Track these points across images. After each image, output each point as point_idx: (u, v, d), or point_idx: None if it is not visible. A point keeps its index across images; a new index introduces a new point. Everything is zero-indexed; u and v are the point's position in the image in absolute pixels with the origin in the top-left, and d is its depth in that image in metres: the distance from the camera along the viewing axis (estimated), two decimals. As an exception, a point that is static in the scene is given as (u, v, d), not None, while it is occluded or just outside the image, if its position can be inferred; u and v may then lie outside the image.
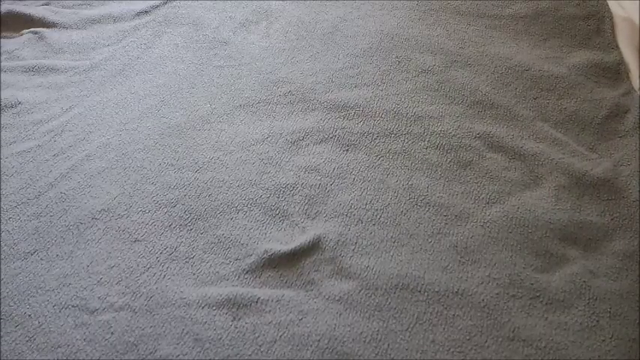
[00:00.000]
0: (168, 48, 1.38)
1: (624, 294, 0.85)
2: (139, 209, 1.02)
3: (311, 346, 0.82)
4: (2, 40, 1.45)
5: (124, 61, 1.35)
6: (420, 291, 0.87)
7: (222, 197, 1.03)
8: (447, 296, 0.86)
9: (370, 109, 1.16)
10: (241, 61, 1.32)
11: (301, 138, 1.12)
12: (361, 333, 0.83)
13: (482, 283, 0.87)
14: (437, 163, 1.05)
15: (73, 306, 0.89)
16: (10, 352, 0.84)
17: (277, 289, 0.89)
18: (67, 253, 0.96)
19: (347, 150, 1.09)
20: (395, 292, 0.87)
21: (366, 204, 0.99)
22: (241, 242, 0.96)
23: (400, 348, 0.81)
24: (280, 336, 0.83)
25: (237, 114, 1.19)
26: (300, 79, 1.25)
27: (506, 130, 1.10)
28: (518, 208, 0.96)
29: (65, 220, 1.01)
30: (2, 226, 1.01)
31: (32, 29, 1.46)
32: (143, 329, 0.85)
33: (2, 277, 0.93)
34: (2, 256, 0.97)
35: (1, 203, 1.05)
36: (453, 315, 0.84)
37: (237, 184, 1.05)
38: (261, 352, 0.81)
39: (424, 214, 0.97)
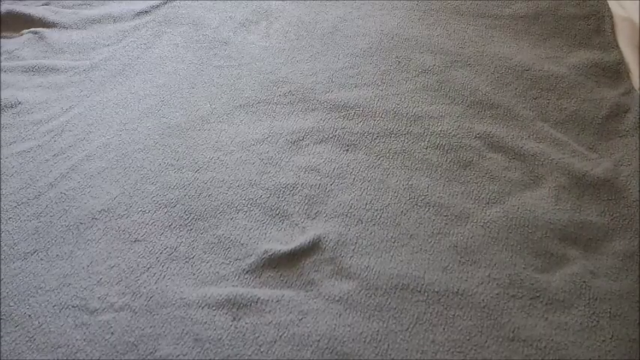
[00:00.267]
0: (168, 48, 1.38)
1: (624, 294, 0.85)
2: (139, 209, 1.02)
3: (311, 346, 0.82)
4: (2, 40, 1.45)
5: (124, 61, 1.35)
6: (420, 291, 0.87)
7: (222, 197, 1.03)
8: (447, 296, 0.86)
9: (370, 109, 1.16)
10: (241, 61, 1.32)
11: (301, 138, 1.12)
12: (361, 333, 0.83)
13: (482, 283, 0.87)
14: (437, 163, 1.05)
15: (73, 306, 0.89)
16: (10, 352, 0.84)
17: (277, 289, 0.89)
18: (67, 253, 0.96)
19: (347, 150, 1.09)
20: (395, 292, 0.87)
21: (366, 204, 0.99)
22: (241, 242, 0.96)
23: (400, 348, 0.81)
24: (280, 336, 0.83)
25: (237, 114, 1.19)
26: (300, 79, 1.25)
27: (506, 130, 1.10)
28: (518, 208, 0.96)
29: (65, 220, 1.01)
30: (2, 226, 1.01)
31: (32, 29, 1.46)
32: (143, 329, 0.85)
33: (2, 277, 0.93)
34: (2, 256, 0.97)
35: (1, 203, 1.05)
36: (453, 315, 0.84)
37: (237, 184, 1.05)
38: (261, 352, 0.81)
39: (424, 214, 0.97)
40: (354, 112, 1.16)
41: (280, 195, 1.02)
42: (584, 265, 0.89)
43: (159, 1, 1.52)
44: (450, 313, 0.84)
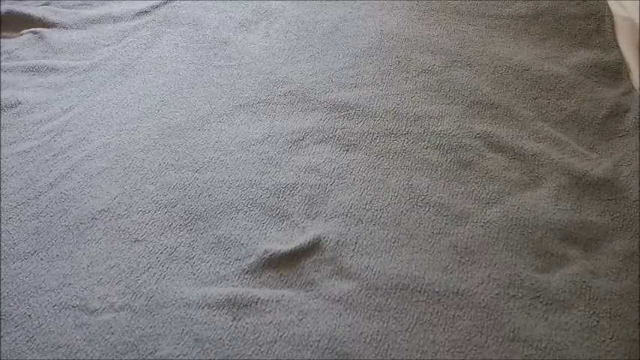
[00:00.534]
0: (168, 48, 1.38)
1: (624, 294, 0.85)
2: (139, 209, 1.02)
3: (311, 346, 0.82)
4: (2, 40, 1.45)
5: (124, 61, 1.35)
6: (420, 291, 0.87)
7: (222, 197, 1.03)
8: (447, 296, 0.86)
9: (370, 109, 1.16)
10: (241, 61, 1.32)
11: (301, 138, 1.12)
12: (361, 333, 0.83)
13: (482, 283, 0.87)
14: (437, 163, 1.05)
15: (73, 306, 0.89)
16: (10, 352, 0.84)
17: (277, 289, 0.89)
18: (67, 253, 0.96)
19: (347, 150, 1.09)
20: (395, 293, 0.87)
21: (366, 204, 0.99)
22: (241, 242, 0.96)
23: (400, 348, 0.81)
24: (280, 336, 0.83)
25: (237, 114, 1.19)
26: (300, 79, 1.25)
27: (506, 130, 1.10)
28: (518, 208, 0.96)
29: (65, 220, 1.01)
30: (2, 226, 1.01)
31: (32, 29, 1.46)
32: (143, 329, 0.85)
33: (2, 277, 0.93)
34: (2, 256, 0.97)
35: (1, 203, 1.05)
36: (453, 315, 0.84)
37: (237, 184, 1.05)
38: (261, 352, 0.81)
39: (424, 214, 0.97)
40: (354, 112, 1.16)
41: (280, 195, 1.02)
42: (584, 265, 0.89)
43: (159, 1, 1.52)
44: (450, 313, 0.84)
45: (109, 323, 0.86)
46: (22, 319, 0.88)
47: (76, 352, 0.83)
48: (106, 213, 1.01)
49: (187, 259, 0.94)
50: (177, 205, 1.02)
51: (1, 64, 1.36)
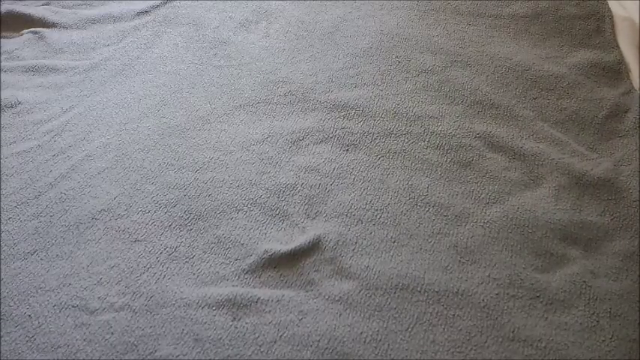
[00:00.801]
0: (168, 48, 1.38)
1: (624, 294, 0.85)
2: (139, 209, 1.02)
3: (311, 346, 0.82)
4: (2, 40, 1.45)
5: (124, 61, 1.35)
6: (420, 291, 0.87)
7: (222, 197, 1.03)
8: (447, 296, 0.86)
9: (370, 109, 1.16)
10: (241, 61, 1.32)
11: (301, 138, 1.12)
12: (361, 333, 0.83)
13: (482, 283, 0.87)
14: (437, 163, 1.05)
15: (73, 306, 0.89)
16: (10, 352, 0.84)
17: (277, 289, 0.89)
18: (67, 253, 0.96)
19: (347, 150, 1.09)
20: (395, 292, 0.87)
21: (366, 204, 0.99)
22: (241, 242, 0.96)
23: (400, 348, 0.81)
24: (280, 336, 0.83)
25: (237, 114, 1.19)
26: (300, 79, 1.25)
27: (506, 130, 1.10)
28: (518, 208, 0.96)
29: (65, 220, 1.01)
30: (2, 226, 1.01)
31: (32, 29, 1.46)
32: (143, 329, 0.85)
33: (2, 277, 0.93)
34: (2, 256, 0.97)
35: (1, 203, 1.05)
36: (453, 315, 0.84)
37: (237, 184, 1.05)
38: (261, 352, 0.81)
39: (424, 214, 0.97)
40: (354, 112, 1.16)
41: (280, 195, 1.02)
42: (584, 265, 0.89)
43: (159, 1, 1.52)
44: (450, 313, 0.84)
45: (109, 323, 0.86)
46: (22, 319, 0.88)
47: (76, 352, 0.83)
48: (106, 213, 1.01)
49: (187, 259, 0.94)
50: (177, 205, 1.02)
51: (1, 64, 1.36)
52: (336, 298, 0.87)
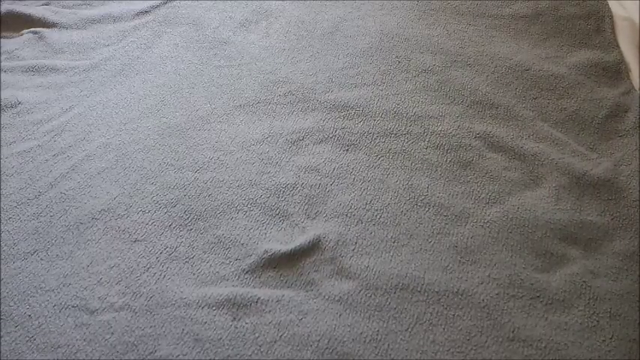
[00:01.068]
0: (168, 48, 1.38)
1: (624, 294, 0.85)
2: (139, 209, 1.02)
3: (311, 346, 0.82)
4: (2, 40, 1.45)
5: (124, 61, 1.35)
6: (420, 291, 0.87)
7: (222, 197, 1.03)
8: (447, 296, 0.86)
9: (370, 109, 1.16)
10: (241, 61, 1.32)
11: (301, 138, 1.12)
12: (361, 333, 0.83)
13: (482, 283, 0.87)
14: (437, 163, 1.05)
15: (73, 306, 0.89)
16: (10, 352, 0.84)
17: (277, 289, 0.89)
18: (67, 253, 0.96)
19: (347, 150, 1.09)
20: (395, 292, 0.87)
21: (366, 204, 0.99)
22: (241, 242, 0.96)
23: (400, 348, 0.81)
24: (280, 336, 0.83)
25: (237, 114, 1.19)
26: (300, 79, 1.25)
27: (506, 130, 1.10)
28: (518, 208, 0.96)
29: (65, 220, 1.01)
30: (2, 226, 1.01)
31: (32, 29, 1.46)
32: (143, 329, 0.85)
33: (2, 277, 0.93)
34: (2, 256, 0.97)
35: (1, 203, 1.05)
36: (453, 315, 0.84)
37: (237, 184, 1.05)
38: (261, 352, 0.81)
39: (424, 214, 0.97)
40: (354, 112, 1.16)
41: (280, 195, 1.02)
42: (584, 265, 0.89)
43: (159, 1, 1.52)
44: (450, 313, 0.84)
45: (109, 323, 0.86)
46: (22, 319, 0.88)
47: (76, 352, 0.83)
48: (106, 213, 1.01)
49: (187, 259, 0.94)
50: (178, 205, 1.02)
51: (1, 64, 1.36)
52: (336, 298, 0.87)
